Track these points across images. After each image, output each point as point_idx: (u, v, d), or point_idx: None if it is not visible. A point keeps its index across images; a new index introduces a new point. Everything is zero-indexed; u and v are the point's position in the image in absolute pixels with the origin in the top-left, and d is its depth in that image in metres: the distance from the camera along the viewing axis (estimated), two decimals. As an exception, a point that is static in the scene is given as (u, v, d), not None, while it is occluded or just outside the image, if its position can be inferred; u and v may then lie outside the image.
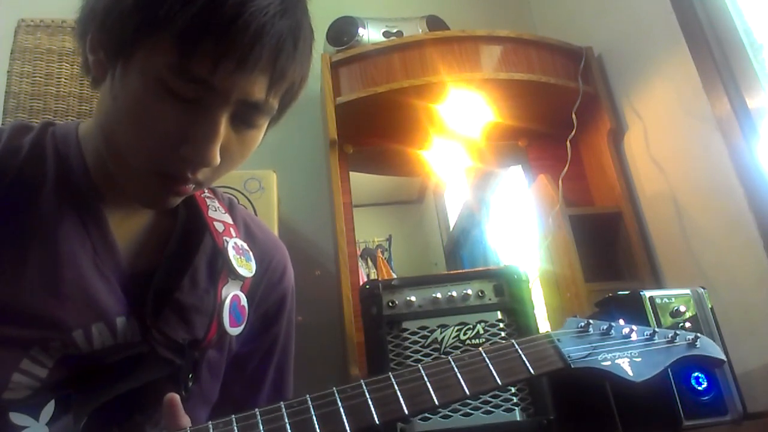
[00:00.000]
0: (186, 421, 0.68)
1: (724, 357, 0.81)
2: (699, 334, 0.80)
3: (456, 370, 0.70)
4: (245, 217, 0.95)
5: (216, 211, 0.88)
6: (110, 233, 0.77)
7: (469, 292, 1.34)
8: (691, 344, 0.80)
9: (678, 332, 0.80)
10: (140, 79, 0.66)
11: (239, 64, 0.64)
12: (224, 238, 0.84)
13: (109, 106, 0.71)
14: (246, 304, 0.84)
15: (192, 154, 0.68)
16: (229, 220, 0.89)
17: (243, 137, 0.72)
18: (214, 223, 0.85)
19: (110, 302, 0.75)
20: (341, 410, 0.65)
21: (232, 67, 0.64)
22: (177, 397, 0.68)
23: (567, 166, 2.01)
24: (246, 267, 0.85)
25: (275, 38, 0.65)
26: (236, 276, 0.83)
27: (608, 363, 0.75)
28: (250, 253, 0.87)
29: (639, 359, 0.76)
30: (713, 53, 1.69)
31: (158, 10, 0.63)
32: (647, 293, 1.19)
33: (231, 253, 0.83)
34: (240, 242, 0.86)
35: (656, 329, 0.80)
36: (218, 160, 0.69)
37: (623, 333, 0.79)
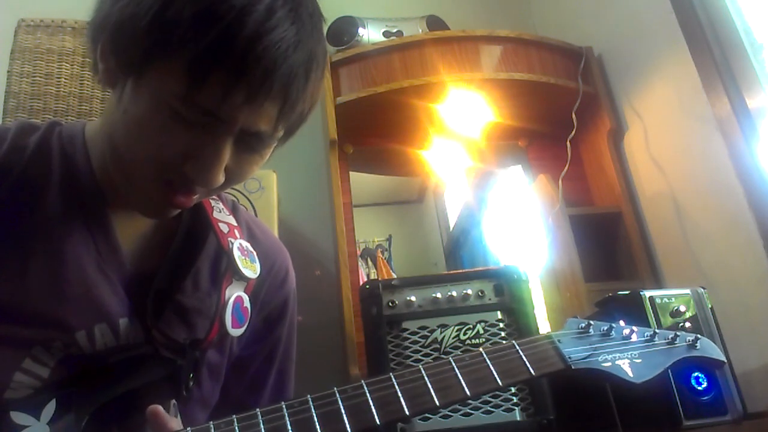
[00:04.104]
0: (176, 423, 0.68)
1: (724, 358, 0.81)
2: (699, 336, 0.80)
3: (457, 370, 0.70)
4: (248, 220, 0.95)
5: (220, 212, 0.88)
6: (114, 235, 0.77)
7: (469, 292, 1.34)
8: (692, 345, 0.80)
9: (678, 333, 0.80)
10: (149, 100, 0.65)
11: (248, 98, 0.63)
12: (229, 239, 0.84)
13: (118, 118, 0.70)
14: (249, 306, 0.84)
15: (194, 174, 0.68)
16: (233, 222, 0.89)
17: (248, 159, 0.72)
18: (219, 224, 0.85)
19: (113, 303, 0.75)
20: (342, 410, 0.65)
21: (240, 100, 0.63)
22: (159, 408, 0.68)
23: (567, 166, 2.01)
24: (251, 268, 0.84)
25: (287, 73, 0.64)
26: (241, 277, 0.83)
27: (609, 364, 0.75)
28: (255, 255, 0.87)
29: (639, 360, 0.76)
30: (713, 53, 1.69)
31: (171, 36, 0.62)
32: (647, 293, 1.20)
33: (236, 254, 0.83)
34: (245, 243, 0.86)
35: (657, 330, 0.80)
36: (220, 182, 0.69)
37: (624, 334, 0.79)
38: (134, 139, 0.69)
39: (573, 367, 0.74)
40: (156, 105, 0.65)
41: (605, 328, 0.79)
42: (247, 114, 0.65)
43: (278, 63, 0.63)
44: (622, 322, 0.80)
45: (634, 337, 0.79)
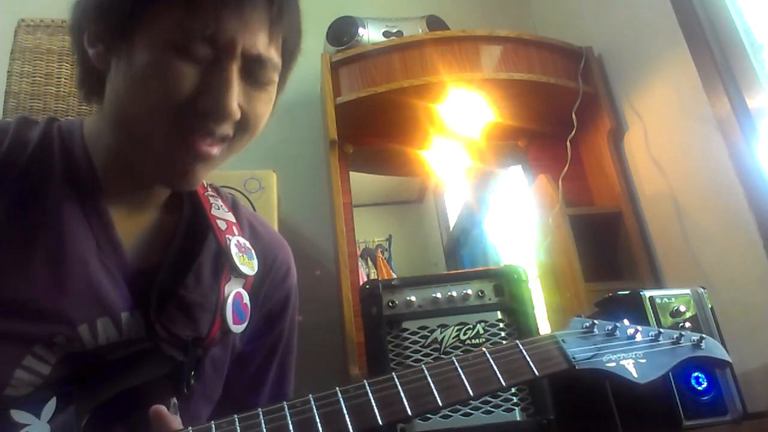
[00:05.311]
0: (177, 423, 0.68)
1: (729, 358, 0.81)
2: (704, 335, 0.80)
3: (460, 370, 0.70)
4: (249, 217, 0.95)
5: (219, 209, 0.88)
6: (113, 229, 0.78)
7: (469, 292, 1.34)
8: (697, 345, 0.79)
9: (683, 333, 0.80)
10: (148, 51, 0.69)
11: (239, 9, 0.69)
12: (227, 236, 0.84)
13: (121, 89, 0.72)
14: (248, 302, 0.84)
15: (211, 105, 0.70)
16: (232, 219, 0.89)
17: (257, 95, 0.75)
18: (217, 221, 0.86)
19: (115, 297, 0.75)
20: (344, 410, 0.64)
21: (233, 12, 0.68)
22: (162, 408, 0.68)
23: (567, 166, 2.01)
24: (248, 265, 0.85)
25: None
26: (238, 273, 0.83)
27: (613, 364, 0.75)
28: (253, 251, 0.87)
29: (644, 360, 0.76)
30: (713, 53, 1.69)
31: None
32: (647, 293, 1.20)
33: (233, 250, 0.83)
34: (242, 240, 0.87)
35: (661, 330, 0.80)
36: (237, 111, 0.72)
37: (628, 334, 0.79)
38: (143, 95, 0.70)
39: (577, 368, 0.74)
40: (156, 52, 0.69)
41: (609, 327, 0.79)
42: (243, 31, 0.70)
43: None
44: (626, 322, 0.80)
45: (638, 337, 0.79)
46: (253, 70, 0.73)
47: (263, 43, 0.72)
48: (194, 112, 0.70)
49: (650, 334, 0.80)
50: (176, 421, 0.69)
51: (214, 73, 0.70)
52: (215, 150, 0.74)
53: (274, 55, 0.74)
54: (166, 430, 0.66)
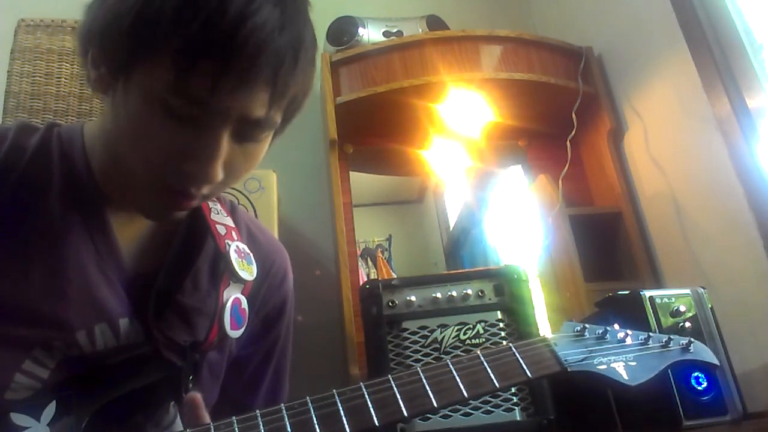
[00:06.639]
0: (207, 419, 0.69)
1: (717, 361, 0.82)
2: (692, 339, 0.81)
3: (454, 372, 0.71)
4: (247, 221, 0.95)
5: (218, 214, 0.88)
6: (113, 235, 0.78)
7: (469, 292, 1.34)
8: (685, 349, 0.81)
9: (672, 337, 0.81)
10: (140, 99, 0.65)
11: (238, 82, 0.63)
12: (226, 241, 0.84)
13: (113, 122, 0.71)
14: (247, 307, 0.84)
15: (194, 171, 0.67)
16: (231, 224, 0.89)
17: (246, 151, 0.71)
18: (217, 226, 0.86)
19: (113, 303, 0.75)
20: (341, 412, 0.65)
21: (230, 86, 0.63)
22: (198, 396, 0.69)
23: (567, 166, 2.01)
24: (248, 270, 0.84)
25: (274, 55, 0.64)
26: (238, 279, 0.83)
27: (604, 367, 0.76)
28: (252, 257, 0.87)
29: (634, 363, 0.77)
30: (713, 53, 1.69)
31: (154, 31, 0.62)
32: (647, 293, 1.20)
33: (233, 256, 0.83)
34: (242, 245, 0.86)
35: (651, 334, 0.81)
36: (220, 176, 0.68)
37: (618, 337, 0.80)
38: (130, 143, 0.69)
39: (569, 370, 0.74)
40: (147, 103, 0.65)
41: (600, 331, 0.80)
42: (240, 101, 0.65)
43: (264, 46, 0.63)
44: (616, 326, 0.81)
45: (628, 341, 0.80)
46: (246, 131, 0.68)
47: (263, 109, 0.66)
48: (177, 173, 0.68)
49: (640, 337, 0.81)
50: (206, 416, 0.70)
51: (202, 136, 0.66)
52: (195, 202, 0.73)
53: (273, 116, 0.69)
54: (197, 420, 0.68)
